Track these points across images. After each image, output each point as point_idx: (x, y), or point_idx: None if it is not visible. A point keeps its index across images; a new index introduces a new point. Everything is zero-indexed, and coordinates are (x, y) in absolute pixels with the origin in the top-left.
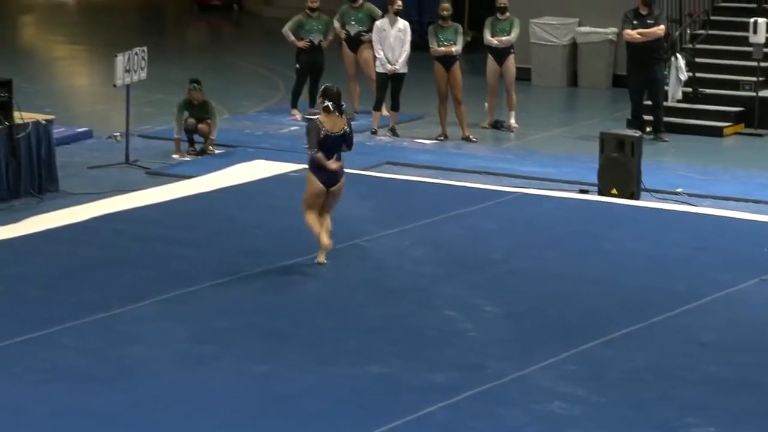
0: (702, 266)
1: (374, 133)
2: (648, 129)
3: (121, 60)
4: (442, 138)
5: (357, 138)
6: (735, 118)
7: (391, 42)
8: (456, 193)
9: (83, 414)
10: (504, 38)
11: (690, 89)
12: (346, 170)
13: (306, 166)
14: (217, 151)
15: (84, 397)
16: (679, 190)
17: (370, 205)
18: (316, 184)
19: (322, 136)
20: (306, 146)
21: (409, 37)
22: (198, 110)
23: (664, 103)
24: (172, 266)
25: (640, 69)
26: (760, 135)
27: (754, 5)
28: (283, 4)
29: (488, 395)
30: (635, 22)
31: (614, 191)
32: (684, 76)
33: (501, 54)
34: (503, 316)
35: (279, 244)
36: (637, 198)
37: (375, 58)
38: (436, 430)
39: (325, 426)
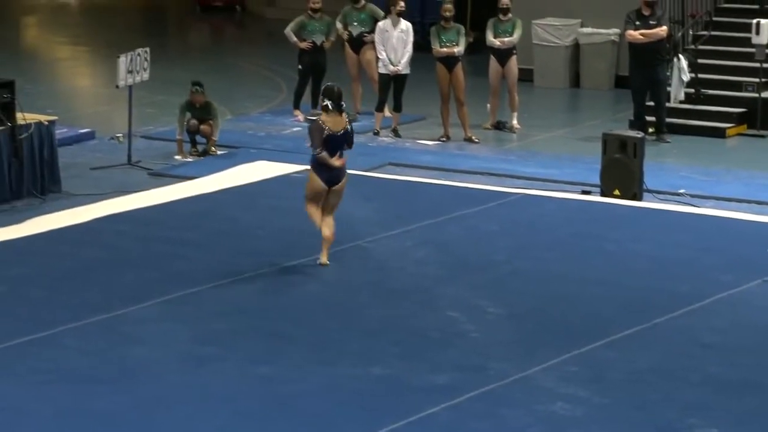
0: (704, 267)
1: (376, 134)
2: (650, 130)
3: (123, 61)
4: (444, 139)
5: (359, 139)
6: (737, 119)
7: (394, 43)
8: (458, 194)
9: (85, 415)
10: (506, 39)
11: (692, 90)
12: (348, 171)
13: (308, 167)
14: (219, 152)
15: (86, 397)
16: (681, 191)
17: (372, 206)
18: (318, 183)
19: (326, 135)
20: (309, 146)
21: (411, 38)
22: (200, 111)
23: (667, 104)
24: (175, 267)
25: (642, 70)
26: (762, 136)
27: (756, 6)
28: (286, 5)
29: (491, 396)
30: (638, 22)
31: (616, 192)
32: (686, 77)
33: (503, 55)
34: (506, 317)
35: (281, 245)
36: (639, 199)
37: (377, 59)
38: (438, 431)
39: (328, 427)
